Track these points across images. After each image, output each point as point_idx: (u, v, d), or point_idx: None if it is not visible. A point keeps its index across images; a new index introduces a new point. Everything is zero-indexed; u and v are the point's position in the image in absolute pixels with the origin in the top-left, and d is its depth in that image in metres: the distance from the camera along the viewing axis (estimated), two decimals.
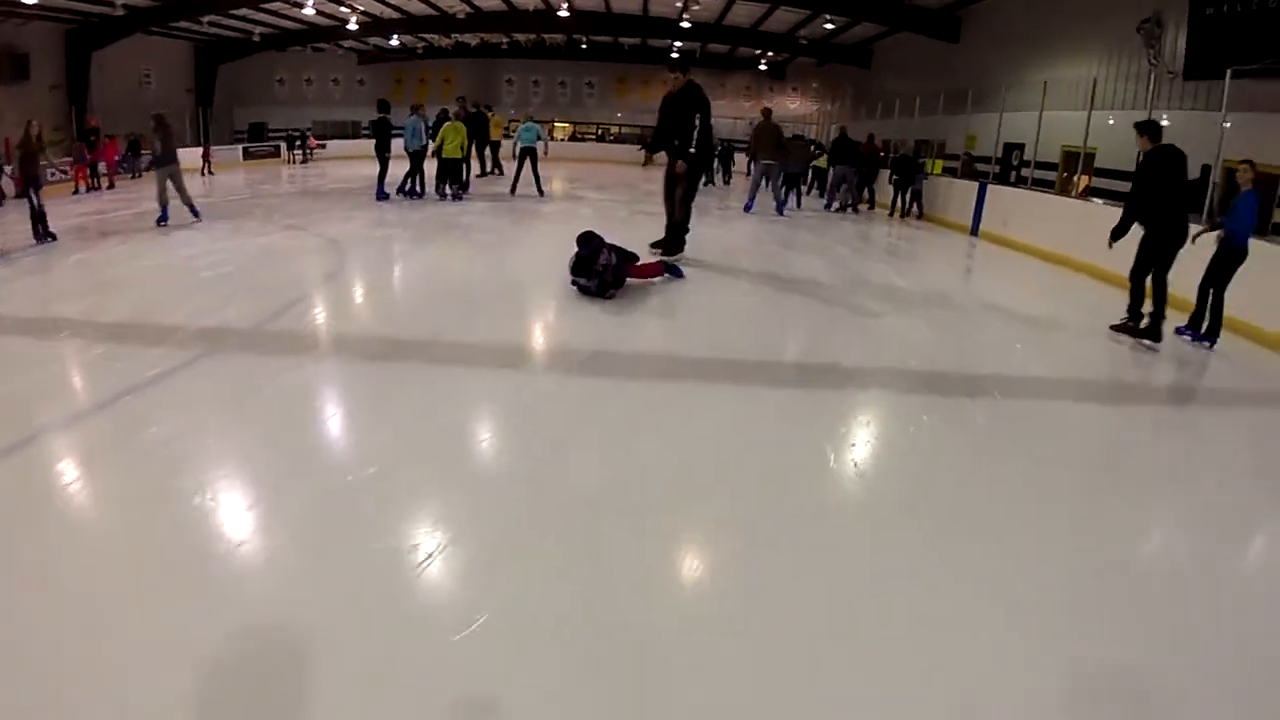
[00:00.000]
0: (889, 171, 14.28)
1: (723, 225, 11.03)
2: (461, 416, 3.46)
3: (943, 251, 10.39)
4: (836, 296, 6.20)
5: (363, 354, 4.24)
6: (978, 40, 17.52)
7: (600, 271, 5.49)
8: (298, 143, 25.22)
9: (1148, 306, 5.46)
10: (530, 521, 2.55)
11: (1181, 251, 5.30)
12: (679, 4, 21.40)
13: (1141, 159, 5.71)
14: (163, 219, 9.27)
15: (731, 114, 29.44)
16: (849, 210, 14.10)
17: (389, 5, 22.53)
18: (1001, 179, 13.20)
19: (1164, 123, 11.33)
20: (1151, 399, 4.54)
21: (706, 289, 6.23)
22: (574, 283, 5.62)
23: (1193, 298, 5.61)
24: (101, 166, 16.62)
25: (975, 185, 11.83)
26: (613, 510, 2.63)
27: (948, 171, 15.00)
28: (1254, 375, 5.12)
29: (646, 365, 4.18)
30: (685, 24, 22.58)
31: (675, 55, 7.44)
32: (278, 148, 25.24)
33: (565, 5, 22.35)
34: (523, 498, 2.72)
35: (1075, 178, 12.31)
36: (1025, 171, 14.03)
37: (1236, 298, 5.40)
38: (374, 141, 12.03)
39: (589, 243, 5.56)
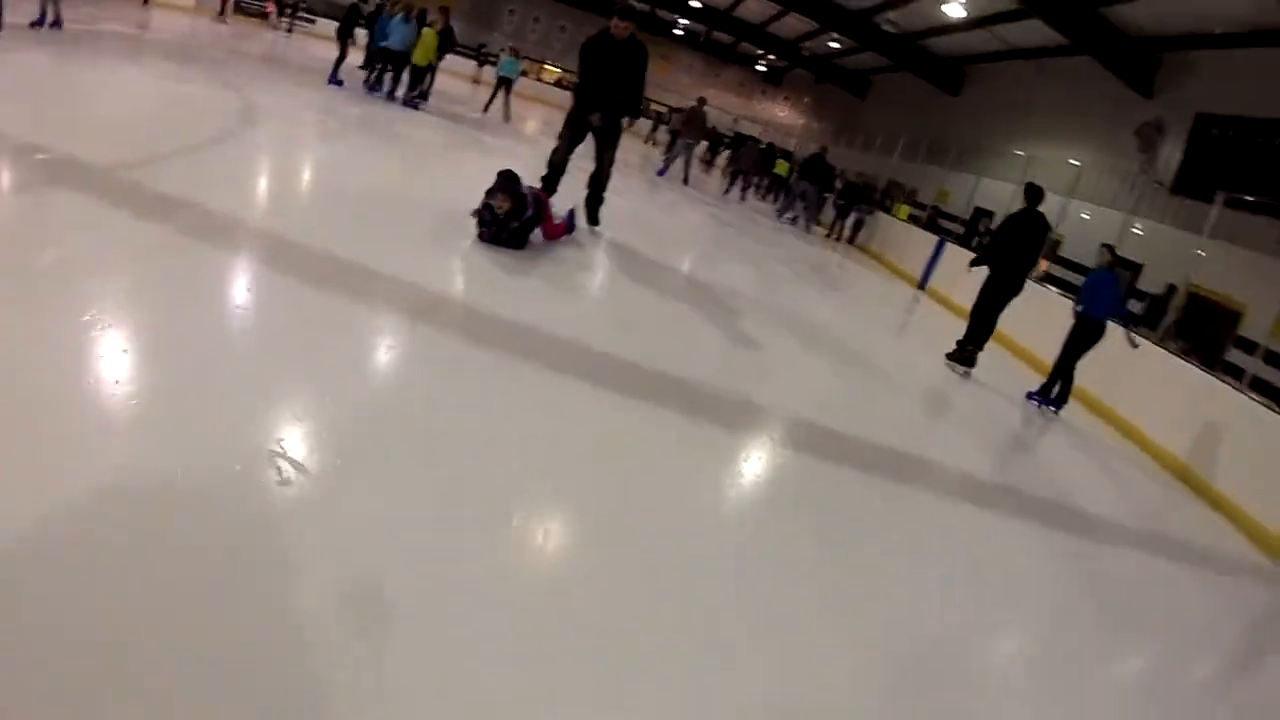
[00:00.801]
0: (835, 194, 14.05)
1: (659, 208, 10.37)
2: (308, 345, 2.70)
3: (885, 298, 10.01)
4: (756, 319, 5.51)
5: (204, 237, 3.38)
6: (976, 98, 17.43)
7: (508, 221, 4.75)
8: (288, 9, 23.25)
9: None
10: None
11: (1017, 301, 6.12)
12: None
13: (1009, 216, 6.39)
14: (38, 22, 8.13)
15: (720, 105, 28.83)
16: (802, 227, 13.68)
17: None
18: (963, 242, 12.99)
19: (1137, 231, 11.52)
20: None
21: (623, 272, 5.47)
22: (478, 221, 4.82)
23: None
24: None
25: (935, 239, 11.55)
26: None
27: (913, 219, 14.84)
28: (1086, 438, 5.70)
29: (533, 343, 3.47)
30: (696, 3, 21.72)
31: (624, 5, 5.58)
32: (265, 11, 23.23)
33: None
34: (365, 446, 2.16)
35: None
36: (988, 241, 13.96)
37: (1089, 373, 5.94)
38: (338, 24, 11.54)
39: (517, 185, 4.75)
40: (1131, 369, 6.14)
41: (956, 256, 10.93)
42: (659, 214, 9.75)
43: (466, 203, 4.85)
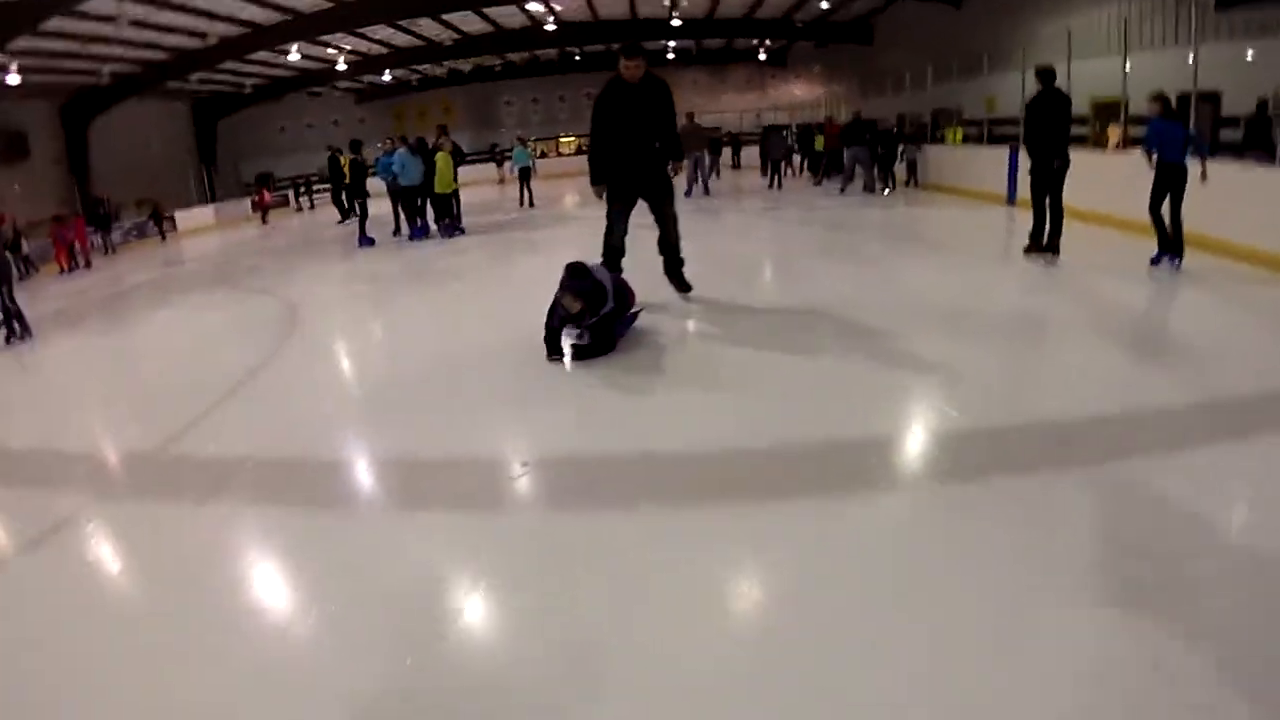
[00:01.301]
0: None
1: (718, 232, 10.12)
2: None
3: (983, 230, 9.19)
4: (893, 325, 4.67)
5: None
6: (980, 1, 16.47)
7: (595, 321, 4.09)
8: (302, 189, 25.25)
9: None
10: None
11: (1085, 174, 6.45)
12: (666, 3, 20.68)
13: (1029, 102, 6.62)
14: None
15: (738, 107, 28.61)
16: (872, 190, 13.14)
17: (374, 41, 22.27)
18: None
19: (1192, 62, 10.71)
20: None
21: (740, 338, 4.67)
22: (550, 347, 4.22)
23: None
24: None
25: (1005, 151, 10.73)
26: None
27: (968, 140, 14.01)
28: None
29: (724, 475, 2.86)
30: (676, 22, 21.81)
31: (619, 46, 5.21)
32: (286, 197, 25.31)
33: (551, 19, 21.81)
34: None
35: (1106, 131, 11.18)
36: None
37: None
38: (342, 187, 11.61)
39: (585, 279, 4.08)
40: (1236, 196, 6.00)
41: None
42: (723, 239, 9.55)
43: (538, 318, 4.38)
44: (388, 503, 3.04)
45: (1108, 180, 8.20)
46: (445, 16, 20.59)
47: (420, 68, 26.80)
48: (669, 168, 5.41)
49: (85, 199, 21.32)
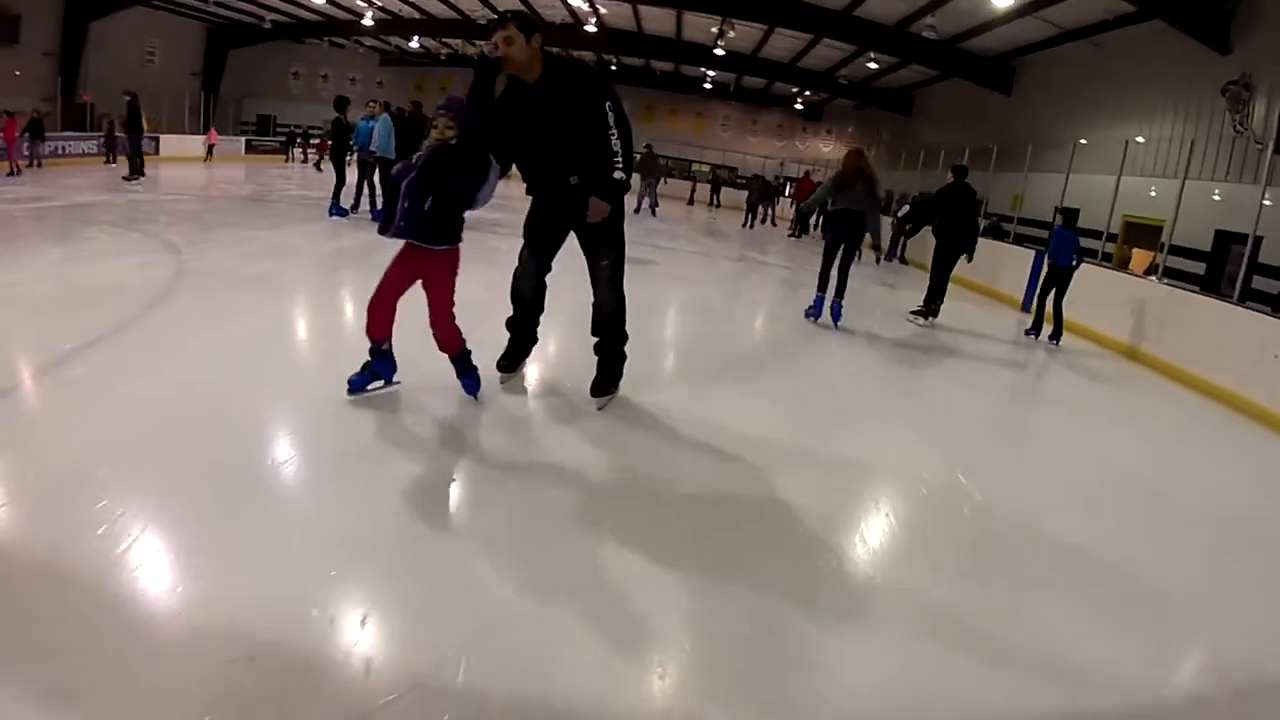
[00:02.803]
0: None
1: (721, 297, 8.67)
2: None
3: (999, 341, 7.61)
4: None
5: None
6: (1030, 92, 15.92)
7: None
8: (299, 140, 24.06)
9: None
10: None
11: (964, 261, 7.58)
12: (714, 30, 19.98)
13: (941, 188, 7.63)
14: None
15: (762, 152, 27.99)
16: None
17: (406, 3, 21.36)
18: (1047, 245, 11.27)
19: (1215, 197, 10.52)
20: None
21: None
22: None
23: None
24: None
25: (1029, 254, 9.86)
26: None
27: (989, 233, 13.18)
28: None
29: None
30: (719, 51, 21.13)
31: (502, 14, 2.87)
32: (284, 144, 24.08)
33: (593, 20, 21.06)
34: None
35: (1132, 250, 10.47)
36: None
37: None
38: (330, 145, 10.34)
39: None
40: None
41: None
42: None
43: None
44: None
45: (1113, 301, 7.73)
46: None
47: (451, 42, 25.91)
48: (618, 199, 3.31)
49: (67, 101, 20.06)
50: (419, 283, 3.09)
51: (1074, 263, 7.16)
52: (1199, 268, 10.78)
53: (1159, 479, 3.93)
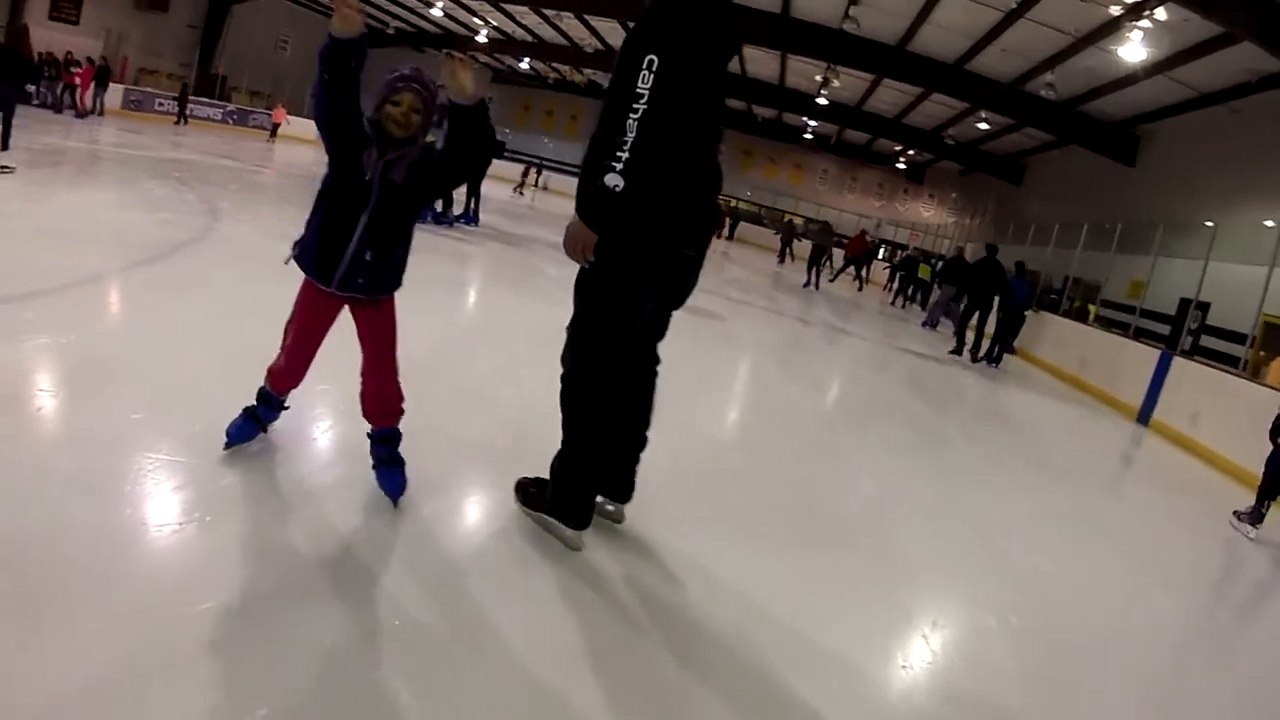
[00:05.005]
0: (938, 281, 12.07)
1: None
2: None
3: (1107, 456, 6.47)
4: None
5: None
6: (1156, 164, 14.42)
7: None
8: None
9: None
10: None
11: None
12: (818, 78, 19.41)
13: (978, 260, 9.73)
14: None
15: (859, 210, 27.03)
16: (978, 358, 9.50)
17: (519, 25, 21.87)
18: (1170, 344, 9.58)
19: None
20: None
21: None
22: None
23: None
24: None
25: (1155, 353, 8.16)
26: None
27: (1101, 321, 11.44)
28: None
29: None
30: (822, 100, 20.52)
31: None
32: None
33: None
34: None
35: (1272, 363, 8.71)
36: (1206, 340, 10.52)
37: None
38: None
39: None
40: None
41: (1186, 376, 7.52)
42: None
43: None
44: None
45: (1239, 417, 6.16)
46: (592, 22, 19.96)
47: (560, 67, 26.40)
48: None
49: (203, 70, 21.50)
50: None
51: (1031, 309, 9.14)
52: None
53: None
